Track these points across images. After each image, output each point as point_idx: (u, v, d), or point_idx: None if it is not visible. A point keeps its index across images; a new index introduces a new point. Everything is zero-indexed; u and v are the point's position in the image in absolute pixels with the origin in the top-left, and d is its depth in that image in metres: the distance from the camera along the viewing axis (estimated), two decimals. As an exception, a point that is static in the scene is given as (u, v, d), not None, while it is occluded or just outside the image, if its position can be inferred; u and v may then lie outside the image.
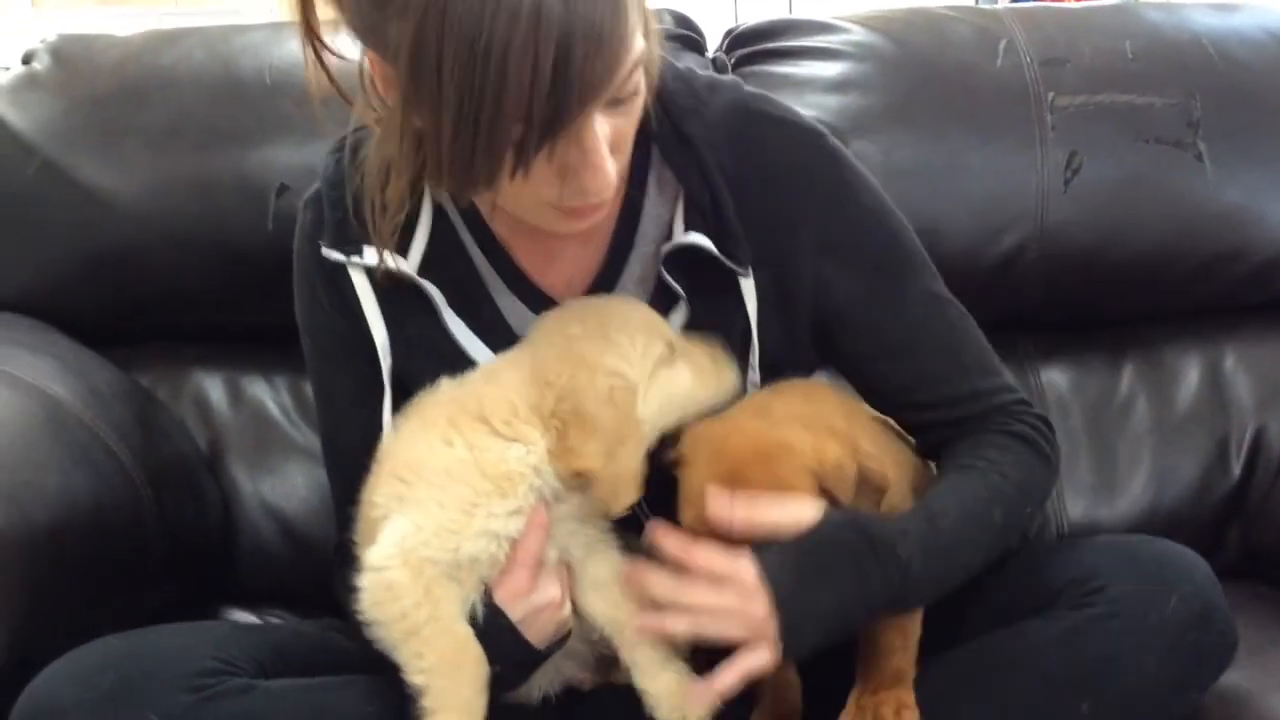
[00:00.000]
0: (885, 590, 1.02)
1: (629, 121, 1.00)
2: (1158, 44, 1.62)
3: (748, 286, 1.13)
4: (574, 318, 1.09)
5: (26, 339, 1.46)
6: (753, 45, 1.67)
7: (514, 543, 1.04)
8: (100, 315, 1.58)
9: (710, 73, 1.21)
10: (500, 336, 1.14)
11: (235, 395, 1.60)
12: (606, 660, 1.14)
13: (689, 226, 1.12)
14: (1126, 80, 1.58)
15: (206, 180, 1.52)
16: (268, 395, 1.60)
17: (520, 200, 1.02)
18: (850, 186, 1.17)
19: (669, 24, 1.66)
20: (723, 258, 1.11)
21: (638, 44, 0.95)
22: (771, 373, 1.16)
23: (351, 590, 1.04)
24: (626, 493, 1.04)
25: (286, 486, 1.56)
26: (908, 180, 1.54)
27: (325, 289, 1.16)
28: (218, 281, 1.54)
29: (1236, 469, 1.58)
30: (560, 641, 1.09)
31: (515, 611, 1.05)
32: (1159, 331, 1.65)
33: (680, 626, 1.03)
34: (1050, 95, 1.57)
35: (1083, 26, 1.63)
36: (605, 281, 1.16)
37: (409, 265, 1.11)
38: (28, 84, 1.59)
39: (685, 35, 1.66)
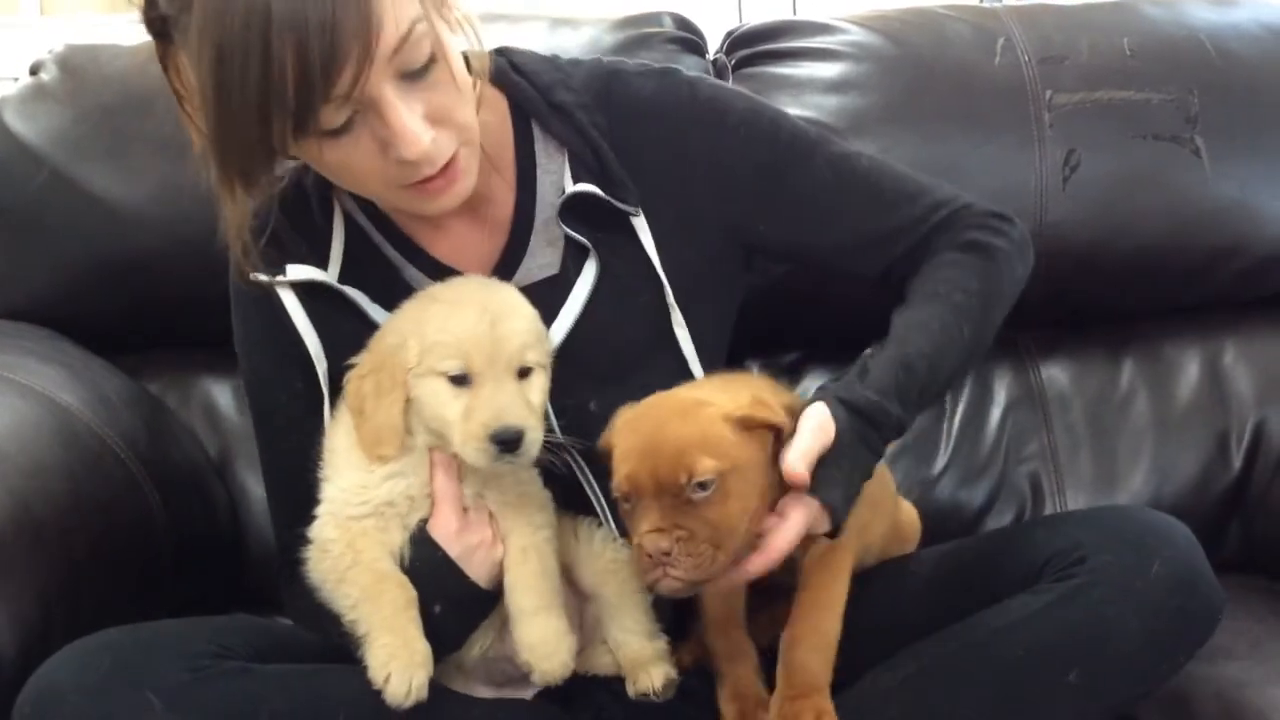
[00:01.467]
0: (884, 439, 1.09)
1: (444, 93, 1.07)
2: (1155, 40, 1.63)
3: (641, 226, 1.20)
4: (453, 288, 1.14)
5: (36, 347, 1.48)
6: (752, 47, 1.68)
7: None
8: (109, 323, 1.60)
9: (573, 57, 1.28)
10: None
11: (243, 401, 1.59)
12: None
13: (576, 180, 1.19)
14: (1124, 77, 1.59)
15: (213, 187, 1.54)
16: (275, 400, 1.62)
17: (368, 186, 1.12)
18: (719, 103, 1.24)
19: (669, 26, 1.67)
20: (610, 199, 1.18)
21: (406, 15, 1.01)
22: (689, 300, 1.21)
23: (302, 608, 1.14)
24: (378, 443, 1.11)
25: (294, 491, 1.58)
26: (907, 179, 1.56)
27: (256, 312, 1.23)
28: (225, 288, 1.55)
29: (1237, 463, 1.59)
30: (501, 586, 1.14)
31: (450, 550, 1.12)
32: (1158, 327, 1.66)
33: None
34: (1048, 93, 1.58)
35: (1080, 24, 1.64)
36: (512, 252, 1.22)
37: (329, 275, 1.19)
38: (35, 95, 1.61)
39: (685, 38, 1.67)
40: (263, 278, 1.19)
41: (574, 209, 1.20)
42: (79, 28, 2.04)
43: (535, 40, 1.63)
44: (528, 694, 1.19)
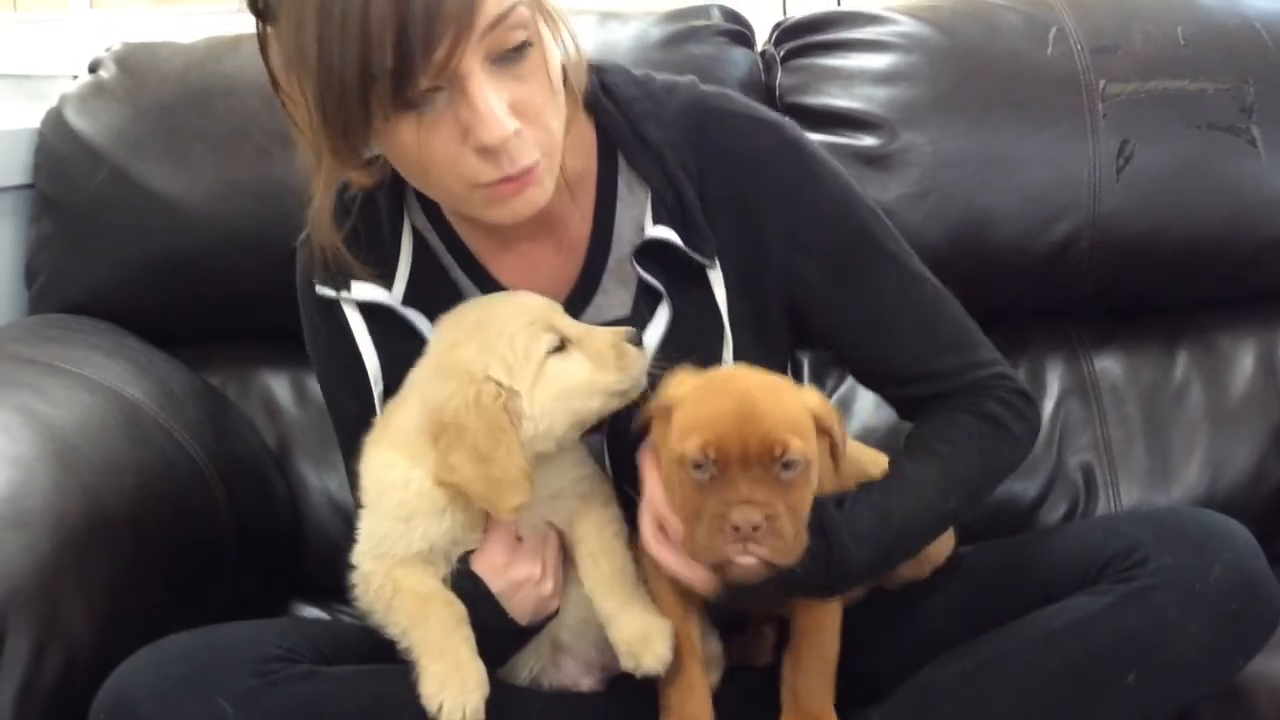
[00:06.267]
0: (820, 570, 1.05)
1: (534, 88, 1.04)
2: (1209, 28, 1.61)
3: (716, 278, 1.17)
4: (455, 324, 1.12)
5: (102, 342, 1.51)
6: (801, 38, 1.68)
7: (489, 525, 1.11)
8: (170, 317, 1.63)
9: (668, 76, 1.23)
10: None
11: (301, 394, 1.64)
12: (611, 665, 1.16)
13: (656, 223, 1.15)
14: (1178, 66, 1.58)
15: (270, 183, 1.56)
16: (332, 392, 1.64)
17: (443, 182, 1.06)
18: (814, 175, 1.19)
19: (717, 19, 1.67)
20: (687, 249, 1.15)
21: None
22: (740, 358, 1.17)
23: None
24: (512, 494, 1.05)
25: (352, 482, 1.60)
26: (958, 171, 1.56)
27: (324, 322, 1.22)
28: (282, 283, 1.57)
29: (1292, 455, 1.59)
30: (546, 620, 1.14)
31: (494, 584, 1.11)
32: (1213, 318, 1.65)
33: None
34: (1101, 83, 1.57)
35: (1133, 12, 1.63)
36: (584, 287, 1.19)
37: (392, 297, 1.17)
38: (95, 92, 1.64)
39: (733, 30, 1.67)
40: (329, 292, 1.18)
41: (650, 252, 1.16)
42: (129, 22, 2.07)
43: (584, 34, 1.60)
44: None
